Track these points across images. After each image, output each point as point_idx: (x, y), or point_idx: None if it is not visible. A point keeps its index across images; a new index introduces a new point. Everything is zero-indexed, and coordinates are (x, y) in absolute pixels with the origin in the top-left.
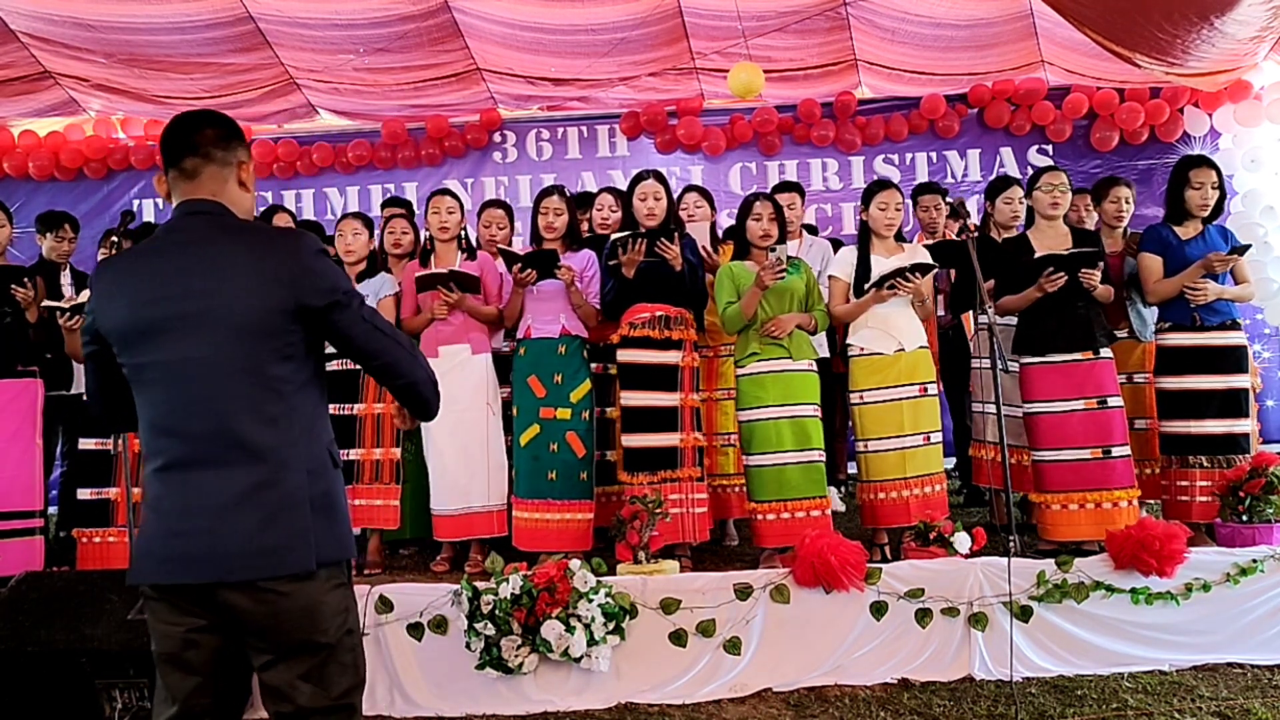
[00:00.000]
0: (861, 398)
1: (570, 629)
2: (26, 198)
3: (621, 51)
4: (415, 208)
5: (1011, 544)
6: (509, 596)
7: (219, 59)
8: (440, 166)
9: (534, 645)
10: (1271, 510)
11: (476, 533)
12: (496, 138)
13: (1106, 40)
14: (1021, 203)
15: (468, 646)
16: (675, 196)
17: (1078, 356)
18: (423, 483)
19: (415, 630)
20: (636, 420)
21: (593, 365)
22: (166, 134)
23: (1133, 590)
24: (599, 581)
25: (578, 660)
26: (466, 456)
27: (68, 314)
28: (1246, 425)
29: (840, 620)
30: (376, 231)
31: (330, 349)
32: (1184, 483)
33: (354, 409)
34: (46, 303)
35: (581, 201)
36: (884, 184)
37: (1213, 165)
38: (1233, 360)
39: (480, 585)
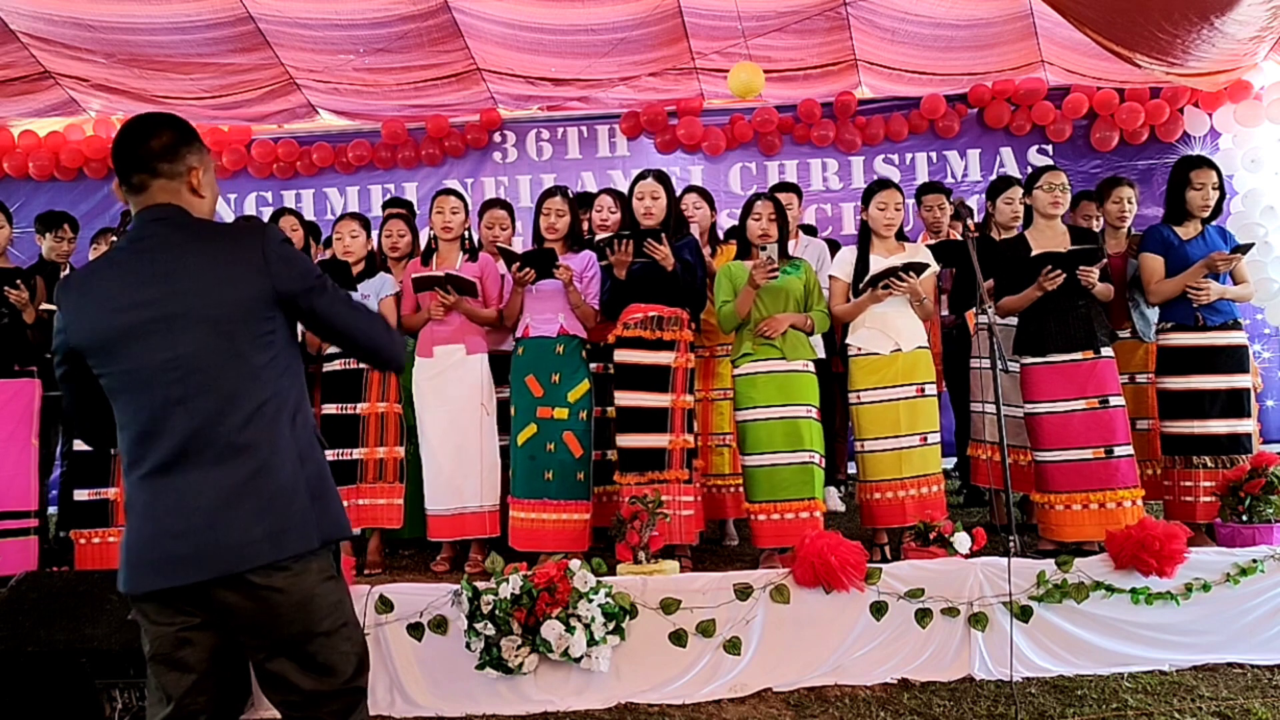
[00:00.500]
0: (859, 398)
1: (570, 629)
2: (26, 198)
3: (621, 51)
4: (416, 208)
5: (1011, 544)
6: (509, 596)
7: (219, 59)
8: (440, 167)
9: (534, 645)
10: (1271, 510)
11: (469, 533)
12: (496, 138)
13: (1106, 40)
14: (1023, 203)
15: (468, 646)
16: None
17: (1078, 356)
18: (422, 483)
19: (415, 630)
20: (628, 420)
21: (593, 365)
22: (114, 147)
23: (1133, 590)
24: (599, 581)
25: (578, 660)
26: (460, 456)
27: None
28: (1249, 425)
29: (840, 620)
30: (374, 232)
31: (331, 349)
32: (1188, 483)
33: (357, 408)
34: (45, 305)
35: (582, 202)
36: (884, 184)
37: (1213, 165)
38: (1235, 360)
39: (480, 585)
